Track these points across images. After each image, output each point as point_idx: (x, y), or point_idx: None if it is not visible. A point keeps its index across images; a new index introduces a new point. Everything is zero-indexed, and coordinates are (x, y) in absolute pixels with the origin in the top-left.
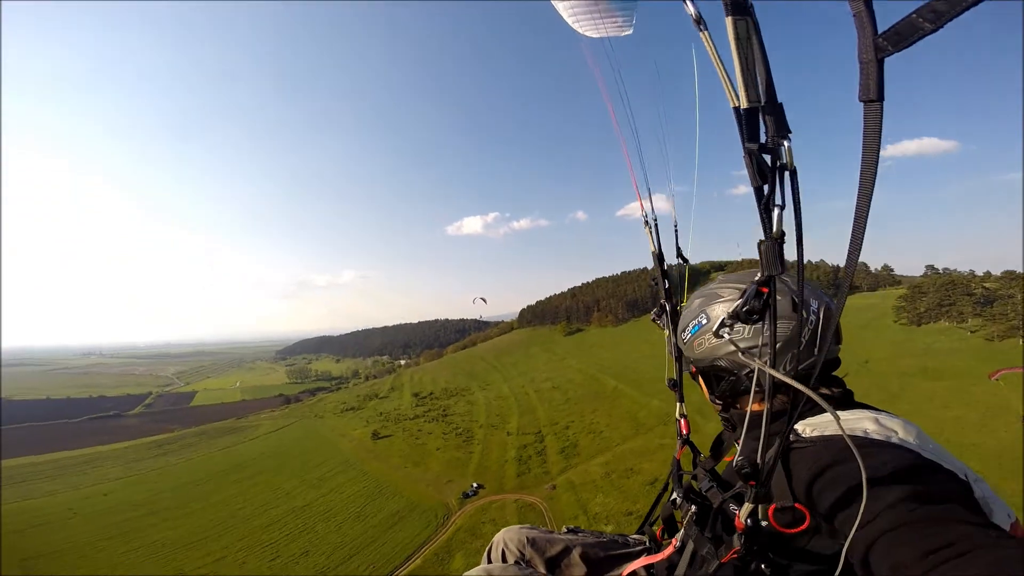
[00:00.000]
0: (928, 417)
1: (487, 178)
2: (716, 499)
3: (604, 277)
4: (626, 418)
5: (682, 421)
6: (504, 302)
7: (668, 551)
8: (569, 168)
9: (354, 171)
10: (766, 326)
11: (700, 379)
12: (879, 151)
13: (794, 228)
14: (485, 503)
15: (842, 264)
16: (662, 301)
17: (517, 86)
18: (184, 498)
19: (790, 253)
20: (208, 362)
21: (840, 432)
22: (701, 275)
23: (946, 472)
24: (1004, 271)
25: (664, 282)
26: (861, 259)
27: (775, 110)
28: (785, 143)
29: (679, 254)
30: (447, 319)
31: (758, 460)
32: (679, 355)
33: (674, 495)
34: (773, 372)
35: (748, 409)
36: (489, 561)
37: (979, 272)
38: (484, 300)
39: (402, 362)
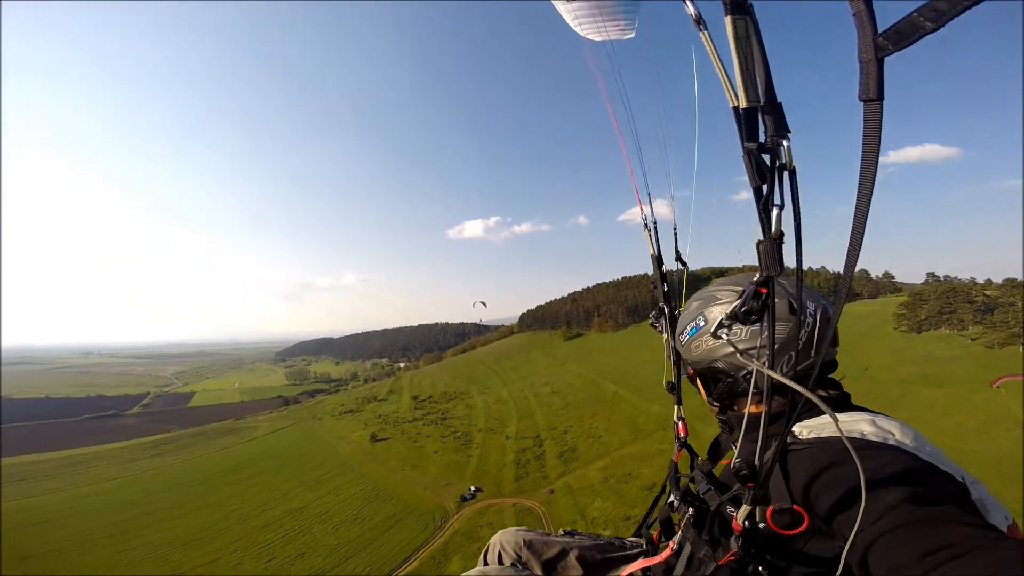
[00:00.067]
0: (928, 424)
1: (489, 182)
2: (713, 501)
3: (605, 282)
4: (625, 423)
5: (680, 424)
6: (504, 306)
7: (665, 554)
8: (571, 173)
9: (357, 173)
10: (764, 327)
11: (698, 381)
12: (879, 150)
13: (793, 229)
14: (483, 507)
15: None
16: (661, 304)
17: (520, 90)
18: (180, 498)
19: (789, 260)
20: (207, 363)
21: (837, 434)
22: (702, 281)
23: (943, 474)
24: (1005, 279)
25: (663, 285)
26: (862, 266)
27: (774, 110)
28: (784, 143)
29: (678, 257)
30: (447, 322)
31: (756, 462)
32: (677, 358)
33: (671, 498)
34: (771, 373)
35: (746, 411)
36: (486, 563)
37: (980, 280)
38: (484, 304)
39: (401, 365)
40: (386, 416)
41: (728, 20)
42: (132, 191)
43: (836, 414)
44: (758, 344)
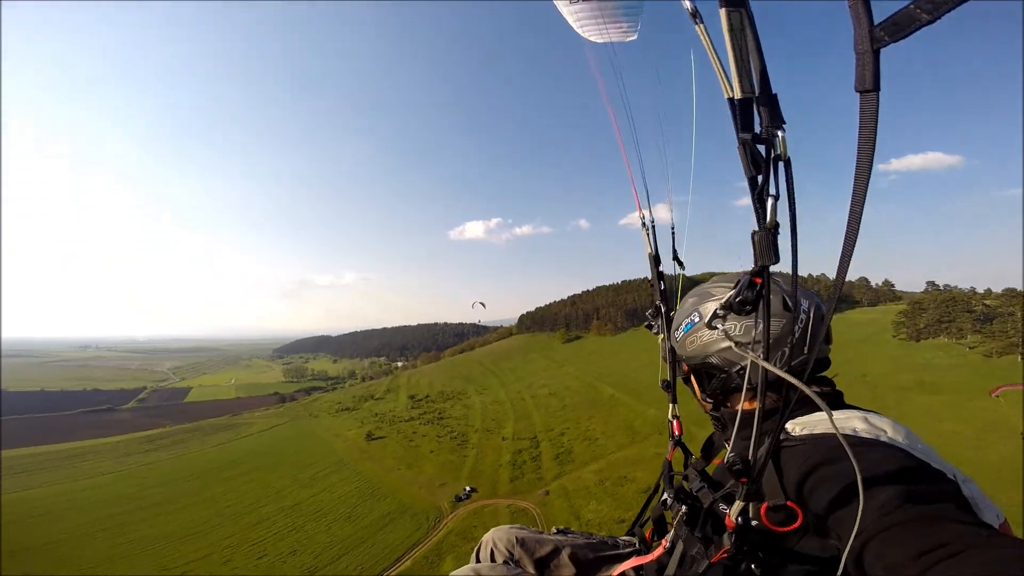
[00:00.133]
0: (924, 431)
1: (490, 183)
2: (707, 499)
3: (604, 285)
4: (622, 426)
5: (674, 422)
6: (504, 308)
7: (658, 552)
8: (573, 176)
9: (359, 173)
10: (759, 321)
11: (692, 378)
12: (875, 141)
13: (788, 219)
14: (477, 507)
15: (845, 279)
16: (657, 303)
17: (523, 92)
18: (173, 494)
19: (786, 262)
20: (204, 358)
21: (830, 431)
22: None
23: (936, 472)
24: (1005, 288)
25: (659, 284)
26: (862, 274)
27: (769, 101)
28: (779, 133)
29: (675, 257)
30: (446, 323)
31: (750, 457)
32: (672, 356)
33: (665, 496)
34: (766, 365)
35: (739, 408)
36: (478, 560)
37: (980, 289)
38: (483, 305)
39: (399, 364)
40: (382, 415)
41: (723, 13)
42: (134, 187)
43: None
44: (752, 338)
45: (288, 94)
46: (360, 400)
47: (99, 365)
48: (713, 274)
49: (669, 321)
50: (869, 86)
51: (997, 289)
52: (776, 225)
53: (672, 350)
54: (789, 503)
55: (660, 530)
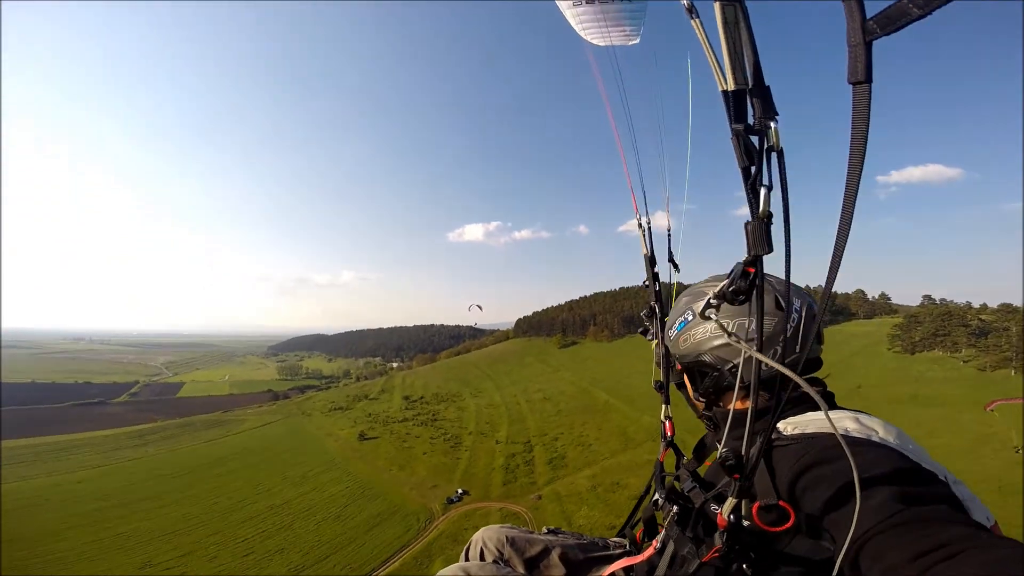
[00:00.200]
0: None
1: (491, 186)
2: (698, 499)
3: (602, 292)
4: (616, 432)
5: (667, 423)
6: (501, 311)
7: (648, 552)
8: (573, 182)
9: (359, 173)
10: (752, 313)
11: (685, 377)
12: (867, 132)
13: (782, 209)
14: (469, 509)
15: (842, 290)
16: (652, 303)
17: (525, 96)
18: (160, 489)
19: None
20: (198, 354)
21: (822, 430)
22: None
23: (928, 472)
24: (1001, 303)
25: (655, 285)
26: (859, 287)
27: (762, 92)
28: (772, 124)
29: (671, 259)
30: (443, 324)
31: (743, 451)
32: (666, 356)
33: (656, 496)
34: (761, 357)
35: (731, 407)
36: (467, 559)
37: (976, 304)
38: (480, 307)
39: (394, 365)
40: (376, 415)
41: (717, 6)
42: (133, 184)
43: (822, 412)
44: (745, 334)
45: (289, 93)
46: (354, 400)
47: (92, 358)
48: None
49: (663, 322)
50: (861, 78)
51: (993, 304)
52: (769, 215)
53: (666, 351)
54: (781, 503)
55: (651, 531)
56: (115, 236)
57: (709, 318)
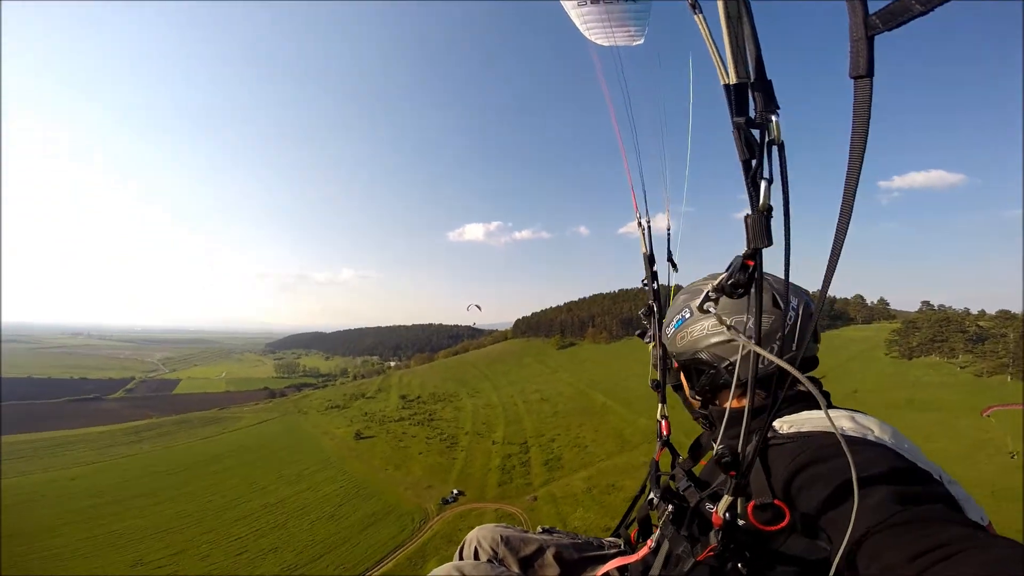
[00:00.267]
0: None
1: (492, 186)
2: (693, 498)
3: (601, 294)
4: (612, 434)
5: (663, 422)
6: (500, 311)
7: (643, 552)
8: (575, 183)
9: (360, 171)
10: (748, 314)
11: (682, 376)
12: (868, 126)
13: (782, 203)
14: (464, 510)
15: (841, 295)
16: (650, 302)
17: (527, 97)
18: (154, 487)
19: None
20: (196, 350)
21: (817, 429)
22: None
23: (924, 472)
24: (999, 310)
25: (653, 283)
26: (858, 292)
27: (764, 86)
28: (773, 118)
29: (669, 258)
30: (441, 324)
31: (739, 449)
32: (664, 355)
33: (651, 495)
34: (759, 350)
35: (727, 405)
36: (461, 558)
37: (974, 310)
38: (479, 307)
39: (392, 363)
40: (372, 414)
41: (720, 1)
42: (133, 180)
43: (817, 411)
44: (743, 329)
45: (293, 91)
46: (351, 398)
47: (89, 353)
48: None
49: (661, 321)
50: (863, 72)
51: (992, 311)
52: (769, 208)
53: (663, 349)
54: (776, 501)
55: (645, 531)
56: (114, 231)
57: (708, 311)
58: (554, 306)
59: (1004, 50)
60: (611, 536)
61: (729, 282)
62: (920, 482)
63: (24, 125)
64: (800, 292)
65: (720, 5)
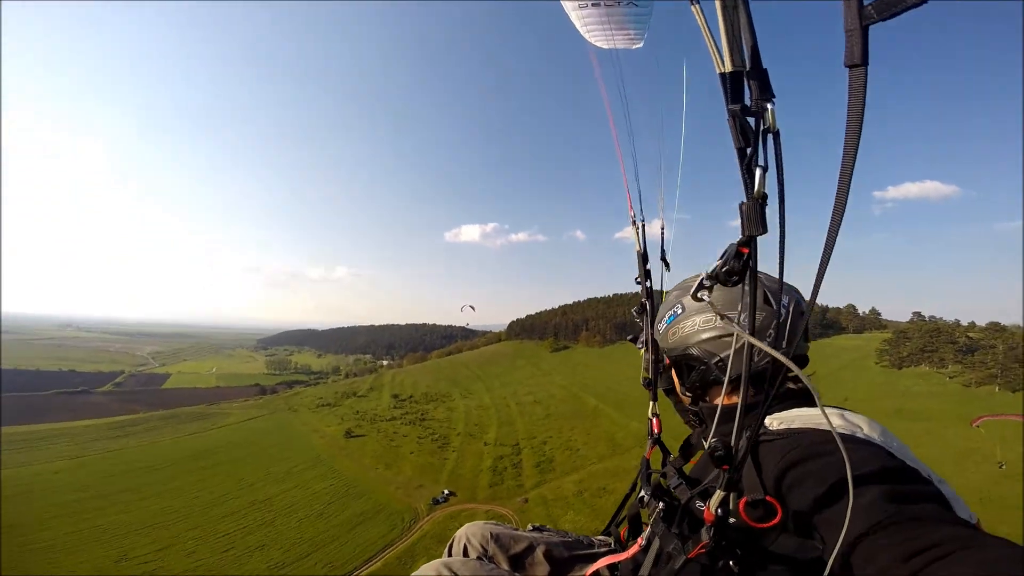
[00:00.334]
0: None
1: (490, 188)
2: (684, 495)
3: (596, 298)
4: (604, 438)
5: (654, 420)
6: (494, 313)
7: (633, 550)
8: (572, 187)
9: (358, 168)
10: (741, 312)
11: (673, 373)
12: (863, 114)
13: (777, 191)
14: (455, 510)
15: (833, 305)
16: (643, 300)
17: (526, 99)
18: (140, 482)
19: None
20: (186, 345)
21: (808, 426)
22: None
23: (913, 470)
24: (989, 322)
25: (647, 281)
26: (849, 301)
27: (759, 75)
28: (769, 106)
29: (663, 257)
30: (435, 324)
31: (732, 443)
32: (656, 352)
33: (642, 493)
34: (754, 340)
35: (719, 401)
36: (450, 555)
37: (965, 322)
38: (472, 308)
39: (384, 363)
40: (364, 413)
41: None
42: (128, 172)
43: (807, 409)
44: (734, 335)
45: (291, 90)
46: (342, 396)
47: (77, 345)
48: None
49: (653, 317)
50: (858, 60)
51: (982, 322)
52: (764, 196)
53: (655, 348)
54: (768, 498)
55: (635, 529)
56: (107, 222)
57: (701, 300)
58: (548, 309)
59: (1002, 63)
60: (601, 534)
61: (723, 269)
62: (912, 481)
63: (12, 117)
64: (791, 290)
65: None
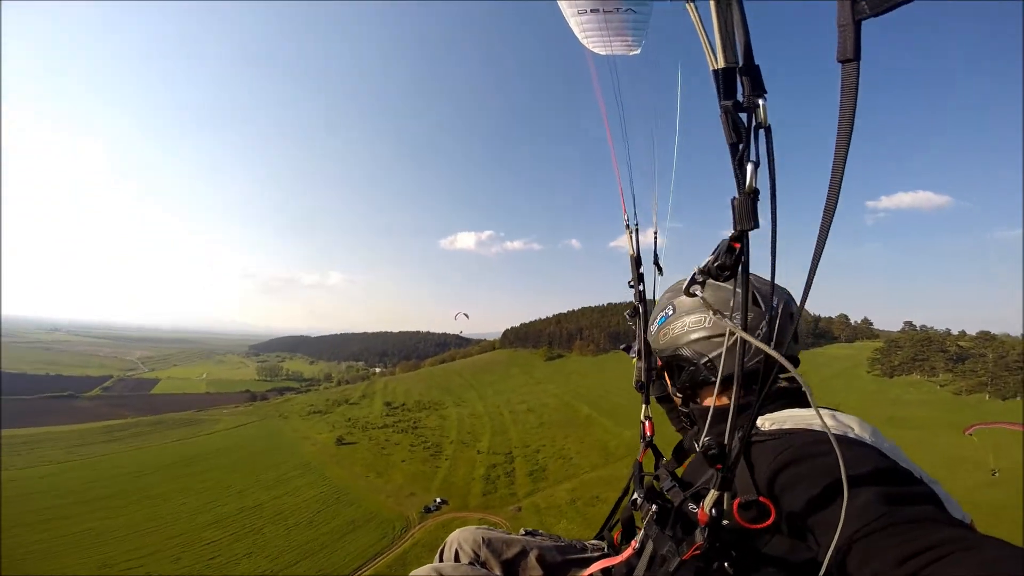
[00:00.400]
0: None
1: (486, 196)
2: (677, 498)
3: (590, 307)
4: (597, 447)
5: (647, 423)
6: (488, 321)
7: (627, 553)
8: (568, 196)
9: (354, 174)
10: (732, 313)
11: (666, 376)
12: (855, 108)
13: (768, 186)
14: (447, 519)
15: (825, 314)
16: (636, 303)
17: (526, 108)
18: (125, 488)
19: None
20: (176, 350)
21: (799, 426)
22: None
23: (906, 471)
24: (979, 331)
25: (640, 285)
26: (841, 310)
27: (751, 71)
28: (760, 102)
29: (656, 262)
30: (428, 331)
31: (725, 442)
32: (647, 354)
33: (635, 496)
34: (746, 336)
35: (711, 403)
36: (441, 560)
37: (955, 331)
38: (467, 315)
39: (377, 370)
40: (355, 420)
41: None
42: (125, 175)
43: (798, 410)
44: (725, 334)
45: (289, 94)
46: (333, 404)
47: (66, 349)
48: None
49: (646, 321)
50: (850, 55)
51: (972, 331)
52: (756, 191)
53: (647, 349)
54: (761, 499)
55: (629, 533)
56: (104, 225)
57: (694, 295)
58: (543, 317)
59: (999, 73)
60: (594, 539)
61: (716, 264)
62: (905, 482)
63: (12, 117)
64: (782, 292)
65: None
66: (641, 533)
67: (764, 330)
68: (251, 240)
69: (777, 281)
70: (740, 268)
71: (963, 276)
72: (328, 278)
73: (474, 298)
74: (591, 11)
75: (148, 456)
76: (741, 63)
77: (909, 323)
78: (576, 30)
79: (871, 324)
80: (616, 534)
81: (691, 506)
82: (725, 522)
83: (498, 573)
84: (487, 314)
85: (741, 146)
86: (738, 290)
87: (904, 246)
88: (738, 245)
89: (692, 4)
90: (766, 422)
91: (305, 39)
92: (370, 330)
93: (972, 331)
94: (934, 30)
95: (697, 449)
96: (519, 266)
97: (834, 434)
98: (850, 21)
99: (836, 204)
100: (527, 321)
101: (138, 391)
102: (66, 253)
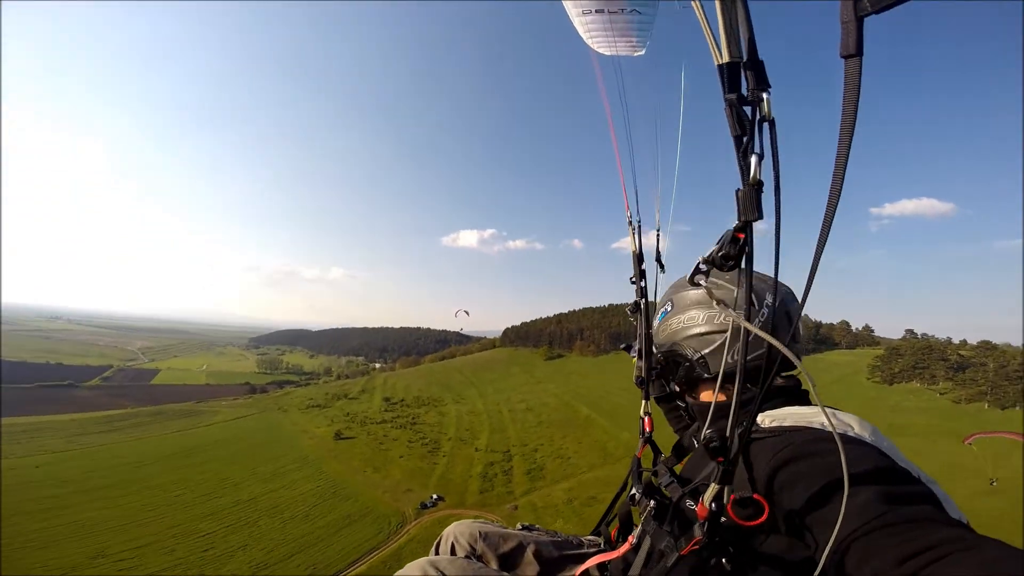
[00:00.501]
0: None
1: (489, 195)
2: (675, 493)
3: (591, 307)
4: (595, 447)
5: (646, 419)
6: (489, 319)
7: (624, 548)
8: (571, 196)
9: (357, 169)
10: (736, 308)
11: (664, 371)
12: (858, 103)
13: (773, 179)
14: (443, 515)
15: (827, 320)
16: (638, 299)
17: (530, 107)
18: (121, 479)
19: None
20: (177, 341)
21: (799, 424)
22: None
23: (904, 471)
24: (980, 340)
25: (641, 281)
26: (843, 317)
27: (755, 65)
28: (765, 96)
29: (657, 259)
30: (429, 328)
31: (727, 434)
32: (648, 349)
33: (633, 491)
34: (748, 326)
35: (706, 398)
36: (437, 554)
37: (956, 340)
38: (467, 313)
39: (377, 365)
40: (354, 415)
41: None
42: (126, 165)
43: (798, 407)
44: (728, 327)
45: (292, 91)
46: (333, 398)
47: (66, 338)
48: None
49: (648, 318)
50: (853, 51)
51: (973, 340)
52: (760, 183)
53: (648, 343)
54: (756, 496)
55: (626, 528)
56: (106, 221)
57: (698, 284)
58: (544, 317)
59: (1001, 81)
60: (591, 534)
61: (720, 254)
62: (904, 481)
63: (12, 117)
64: (783, 290)
65: None
66: (639, 528)
67: (767, 326)
68: (252, 235)
69: (779, 279)
70: (744, 258)
71: (966, 284)
72: (329, 272)
73: (475, 296)
74: (596, 12)
75: (147, 446)
76: (745, 58)
77: (910, 331)
78: (581, 30)
79: (872, 331)
80: (613, 530)
81: (689, 503)
82: (723, 519)
83: (494, 567)
84: (488, 312)
85: (745, 139)
86: (743, 280)
87: (907, 253)
88: (742, 236)
89: (698, 3)
90: (766, 419)
91: (305, 39)
92: (370, 325)
93: (973, 340)
94: (942, 32)
95: (697, 444)
96: (520, 265)
97: (837, 432)
98: (852, 17)
99: (838, 200)
100: (528, 320)
101: (138, 381)
102: (66, 252)
